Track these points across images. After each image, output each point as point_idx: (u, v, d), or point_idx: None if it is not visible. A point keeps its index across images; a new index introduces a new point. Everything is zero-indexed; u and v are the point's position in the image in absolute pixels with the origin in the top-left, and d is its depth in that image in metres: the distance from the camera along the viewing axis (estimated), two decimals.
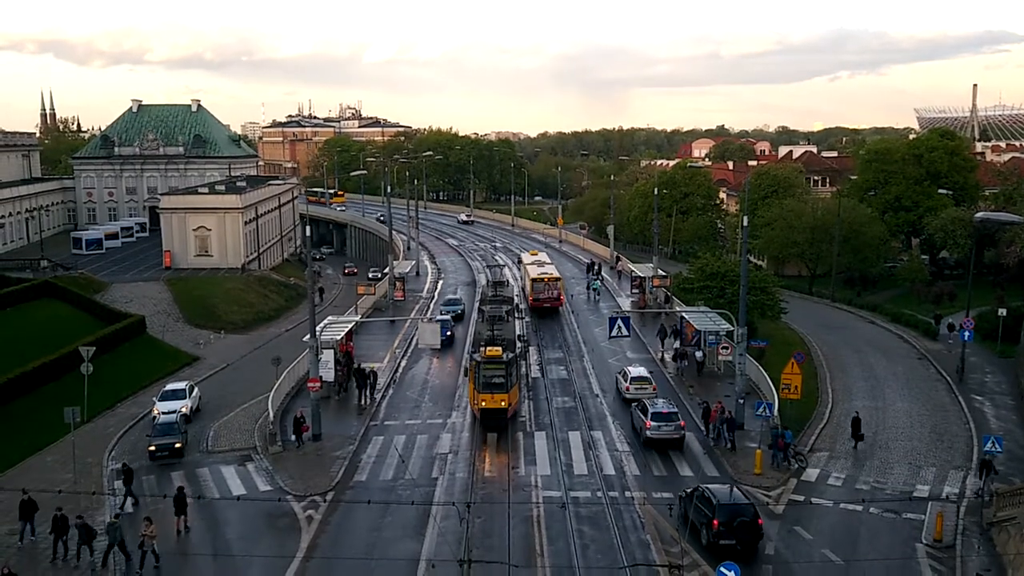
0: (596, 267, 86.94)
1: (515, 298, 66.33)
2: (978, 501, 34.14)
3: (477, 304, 63.63)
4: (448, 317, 63.72)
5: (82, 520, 31.31)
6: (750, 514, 30.61)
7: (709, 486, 33.24)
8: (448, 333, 58.88)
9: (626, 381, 47.80)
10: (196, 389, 50.53)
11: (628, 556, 30.58)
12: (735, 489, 33.33)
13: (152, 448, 40.80)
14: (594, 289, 77.96)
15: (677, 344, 55.67)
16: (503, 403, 42.28)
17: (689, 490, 33.42)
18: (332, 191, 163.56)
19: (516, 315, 57.52)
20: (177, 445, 41.02)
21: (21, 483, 36.67)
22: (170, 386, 50.41)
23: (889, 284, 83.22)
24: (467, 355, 54.10)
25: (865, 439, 41.48)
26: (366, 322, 65.42)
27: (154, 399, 48.95)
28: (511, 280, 75.54)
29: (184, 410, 46.83)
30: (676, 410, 41.74)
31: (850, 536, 32.31)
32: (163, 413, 45.69)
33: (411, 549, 31.37)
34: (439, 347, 54.45)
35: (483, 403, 42.34)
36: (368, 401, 48.46)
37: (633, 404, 44.40)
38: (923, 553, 30.93)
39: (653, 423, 40.38)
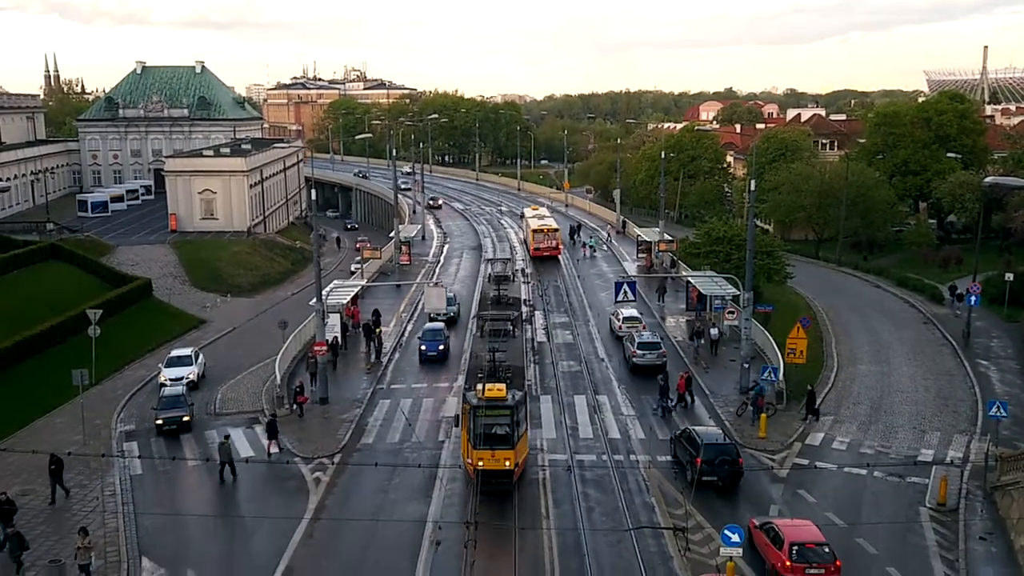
0: (578, 227, 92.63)
1: (524, 298, 54.28)
2: (982, 466, 34.28)
3: (475, 310, 52.21)
4: (439, 325, 52.07)
5: (14, 528, 28.97)
6: (732, 454, 33.13)
7: (695, 428, 35.45)
8: (440, 347, 49.41)
9: (618, 320, 53.04)
10: (201, 355, 50.12)
11: (633, 518, 30.84)
12: (719, 431, 35.94)
13: (159, 421, 39.88)
14: (590, 247, 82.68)
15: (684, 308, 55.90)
16: (507, 463, 31.39)
17: (678, 432, 36.08)
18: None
19: (524, 321, 48.09)
20: (185, 418, 40.11)
21: (31, 445, 37.05)
22: (175, 352, 49.88)
23: (896, 248, 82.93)
24: (460, 389, 42.34)
25: (857, 404, 41.67)
26: (372, 286, 65.48)
27: (160, 365, 48.79)
28: (518, 277, 60.75)
29: (192, 376, 46.58)
30: (659, 340, 48.12)
31: (854, 500, 32.52)
32: (170, 380, 45.29)
33: (418, 511, 31.67)
34: (445, 313, 52.66)
35: (480, 462, 31.25)
36: (375, 357, 49.03)
37: (624, 338, 50.06)
38: (926, 516, 31.13)
39: (639, 351, 46.60)
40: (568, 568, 27.81)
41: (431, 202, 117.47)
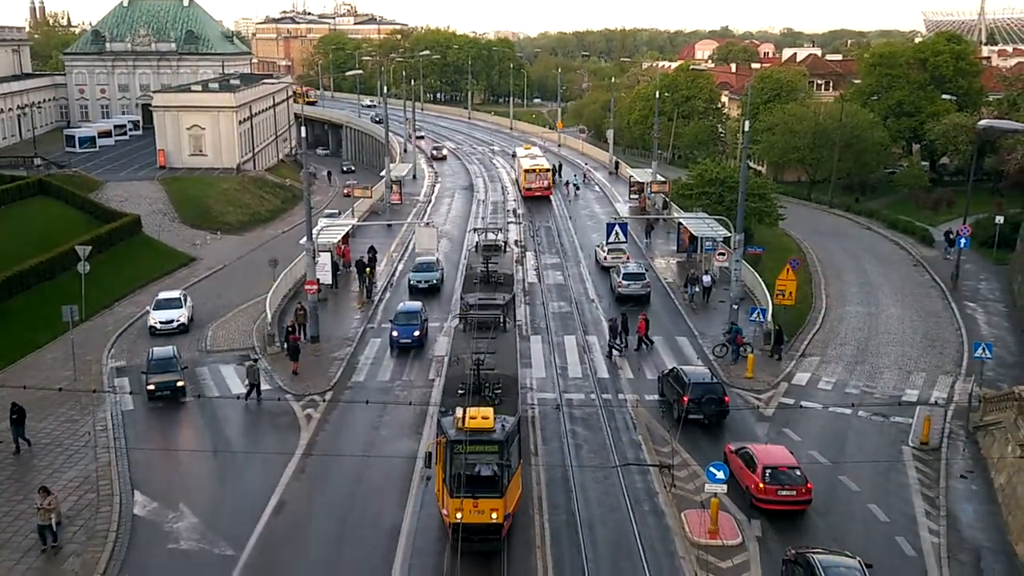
0: (559, 166, 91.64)
1: (517, 276, 47.95)
2: (966, 406, 34.73)
3: (459, 287, 46.61)
4: (415, 306, 44.17)
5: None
6: (718, 393, 33.58)
7: (683, 367, 35.75)
8: (416, 332, 41.74)
9: (603, 251, 55.13)
10: (189, 298, 48.22)
11: (620, 456, 31.26)
12: (706, 370, 36.18)
13: (151, 387, 36.10)
14: (575, 186, 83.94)
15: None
16: (494, 514, 24.48)
17: (666, 371, 36.40)
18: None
19: (516, 303, 41.46)
20: (179, 383, 36.24)
21: (22, 380, 37.15)
22: (163, 295, 48.01)
23: (888, 190, 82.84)
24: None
25: (843, 345, 42.33)
26: (362, 225, 65.26)
27: (148, 308, 47.37)
28: (511, 248, 52.59)
29: (182, 319, 45.27)
30: (643, 271, 50.15)
31: (838, 439, 32.98)
32: (160, 323, 44.56)
33: (408, 447, 32.01)
34: (425, 281, 50.59)
35: (458, 514, 23.75)
36: (367, 296, 49.44)
37: (611, 269, 51.80)
38: (909, 455, 31.62)
39: (624, 281, 48.68)
40: (555, 504, 28.24)
41: (435, 152, 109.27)
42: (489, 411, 25.30)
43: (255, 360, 37.69)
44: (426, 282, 50.85)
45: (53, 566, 25.00)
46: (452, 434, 24.72)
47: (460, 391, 27.24)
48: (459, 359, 30.20)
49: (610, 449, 31.85)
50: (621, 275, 49.06)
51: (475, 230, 57.84)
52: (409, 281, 51.35)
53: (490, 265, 40.97)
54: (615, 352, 40.74)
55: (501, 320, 34.71)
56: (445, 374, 33.64)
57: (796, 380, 38.29)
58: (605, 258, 54.66)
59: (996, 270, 55.78)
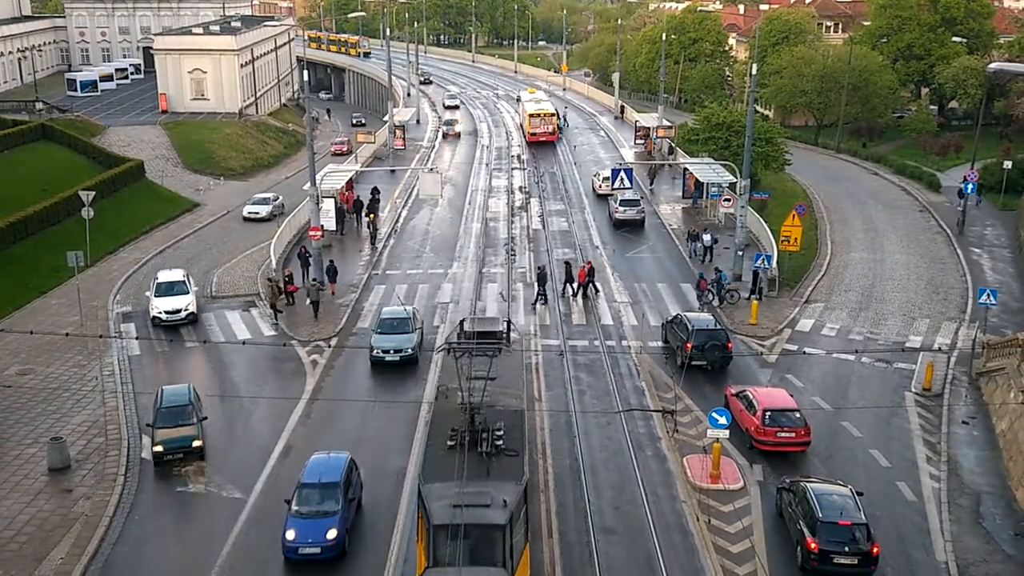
0: (565, 114, 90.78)
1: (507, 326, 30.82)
2: (969, 352, 34.80)
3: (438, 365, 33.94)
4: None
5: None
6: (721, 339, 33.59)
7: (687, 313, 35.74)
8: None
9: (599, 180, 58.53)
10: (192, 278, 41.86)
11: (623, 401, 31.49)
12: (710, 316, 35.84)
13: (158, 449, 27.35)
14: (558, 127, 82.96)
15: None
16: None
17: (670, 317, 36.43)
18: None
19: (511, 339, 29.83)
20: (196, 443, 27.60)
21: (28, 325, 37.44)
22: (163, 276, 40.37)
23: (896, 135, 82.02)
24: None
25: (848, 291, 42.26)
26: (366, 171, 64.90)
27: (147, 294, 39.93)
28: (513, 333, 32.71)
29: (191, 308, 38.73)
30: (639, 198, 53.45)
31: (840, 385, 33.14)
32: (165, 313, 38.08)
33: (413, 393, 32.27)
34: (400, 352, 34.35)
35: None
36: (371, 242, 49.70)
37: (608, 197, 54.85)
38: (911, 401, 31.79)
39: (620, 207, 51.97)
40: (559, 449, 28.52)
41: (448, 102, 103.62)
42: (487, 493, 19.65)
43: (315, 280, 41.06)
44: (397, 352, 34.02)
45: (64, 508, 25.39)
46: (438, 516, 19.20)
47: (450, 442, 21.63)
48: (448, 391, 24.58)
49: (613, 395, 32.06)
50: (618, 201, 52.13)
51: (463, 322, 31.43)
52: (371, 350, 34.27)
53: (482, 397, 22.58)
54: (539, 303, 40.10)
55: (504, 334, 28.93)
56: (432, 411, 26.24)
57: (800, 327, 38.34)
58: (601, 186, 57.77)
59: (1002, 216, 55.46)
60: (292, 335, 37.38)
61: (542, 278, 40.62)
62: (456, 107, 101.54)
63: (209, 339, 36.84)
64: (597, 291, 41.56)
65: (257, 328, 38.45)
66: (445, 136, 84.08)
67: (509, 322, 31.16)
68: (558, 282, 42.54)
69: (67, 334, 34.46)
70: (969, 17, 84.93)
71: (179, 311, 38.19)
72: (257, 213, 57.46)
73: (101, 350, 35.73)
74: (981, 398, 31.97)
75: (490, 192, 62.42)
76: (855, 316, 39.61)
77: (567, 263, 42.34)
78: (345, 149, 77.41)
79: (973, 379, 33.28)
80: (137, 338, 37.28)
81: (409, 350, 34.13)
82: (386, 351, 34.08)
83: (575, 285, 41.40)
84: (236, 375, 34.34)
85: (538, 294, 40.49)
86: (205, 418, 28.75)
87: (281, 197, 60.02)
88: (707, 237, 46.75)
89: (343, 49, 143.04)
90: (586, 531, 24.41)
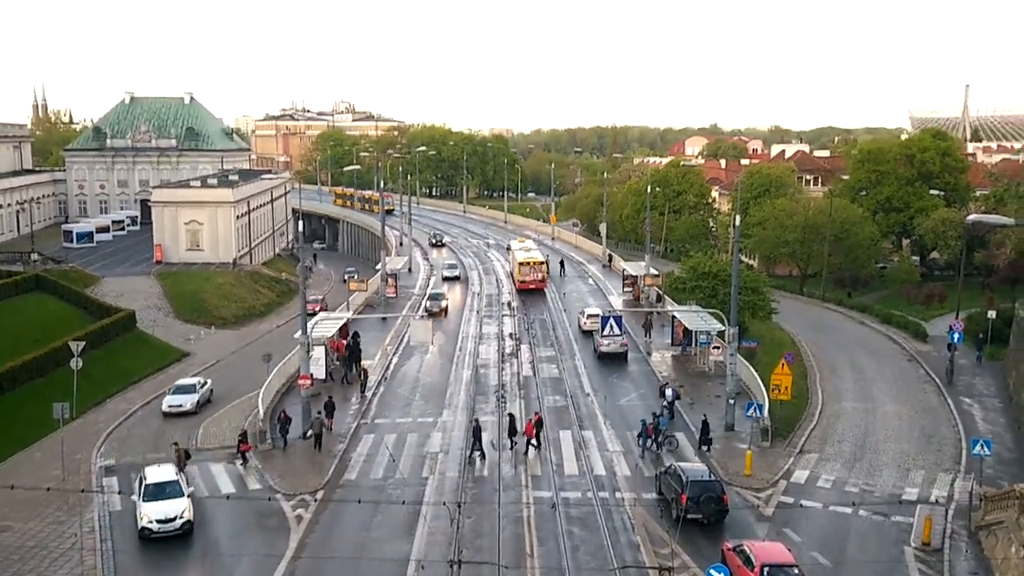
0: (561, 263, 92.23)
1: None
2: (966, 505, 34.26)
3: None
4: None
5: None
6: (717, 491, 33.01)
7: (681, 464, 35.32)
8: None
9: (584, 317, 62.73)
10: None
11: (618, 558, 30.63)
12: (704, 467, 35.54)
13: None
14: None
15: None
16: None
17: (664, 468, 35.99)
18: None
19: None
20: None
21: (10, 480, 36.59)
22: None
23: (879, 285, 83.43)
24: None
25: (841, 442, 41.88)
26: (357, 319, 65.23)
27: (133, 498, 34.69)
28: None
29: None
30: (621, 333, 52.78)
31: (839, 539, 32.42)
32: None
33: (401, 549, 31.35)
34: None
35: None
36: (360, 391, 49.34)
37: (593, 332, 57.68)
38: (911, 556, 31.05)
39: (604, 340, 54.12)
40: None
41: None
42: None
43: (320, 413, 41.76)
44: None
45: None
46: None
47: None
48: None
49: (608, 551, 31.21)
50: (602, 334, 53.67)
51: None
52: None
53: None
54: (477, 457, 39.33)
55: None
56: None
57: (795, 478, 37.83)
58: (586, 323, 61.70)
59: (990, 365, 55.74)
60: (277, 489, 36.60)
61: (476, 431, 40.00)
62: (456, 279, 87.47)
63: (192, 493, 36.02)
64: (539, 445, 40.05)
65: (242, 481, 37.69)
66: (429, 313, 68.48)
67: None
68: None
69: (48, 489, 33.69)
70: (945, 171, 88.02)
71: (173, 519, 32.79)
72: (180, 406, 48.10)
73: (82, 505, 34.89)
74: (982, 553, 31.25)
75: (480, 339, 62.65)
76: (850, 467, 39.15)
77: (511, 415, 41.71)
78: (318, 308, 68.09)
79: (973, 533, 32.63)
80: (119, 492, 36.46)
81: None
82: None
83: (520, 438, 40.33)
84: (218, 530, 33.35)
85: (473, 448, 39.73)
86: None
87: (209, 381, 51.70)
88: (669, 392, 45.28)
89: (367, 207, 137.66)
90: None
